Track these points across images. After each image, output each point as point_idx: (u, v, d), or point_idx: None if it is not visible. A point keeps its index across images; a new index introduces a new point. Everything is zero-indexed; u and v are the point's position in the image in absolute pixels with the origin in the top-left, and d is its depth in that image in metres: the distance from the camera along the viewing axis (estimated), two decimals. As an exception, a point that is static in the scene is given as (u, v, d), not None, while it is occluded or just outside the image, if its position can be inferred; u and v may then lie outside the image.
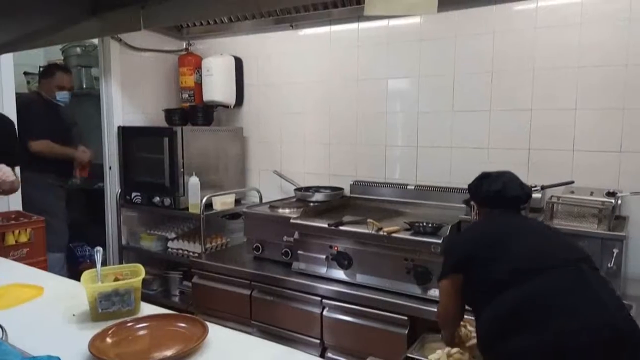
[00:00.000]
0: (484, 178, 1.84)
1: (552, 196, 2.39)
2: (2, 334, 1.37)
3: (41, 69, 3.91)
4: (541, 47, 2.59)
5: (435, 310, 2.14)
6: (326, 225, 2.47)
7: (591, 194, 2.36)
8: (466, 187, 2.64)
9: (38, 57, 4.54)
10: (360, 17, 3.11)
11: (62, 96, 3.52)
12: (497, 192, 1.77)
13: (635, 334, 1.38)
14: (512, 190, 1.77)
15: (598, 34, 2.44)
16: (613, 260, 2.07)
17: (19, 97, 3.23)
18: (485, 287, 1.56)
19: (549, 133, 2.59)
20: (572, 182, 2.40)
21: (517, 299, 1.46)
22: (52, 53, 4.39)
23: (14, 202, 3.09)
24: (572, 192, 2.42)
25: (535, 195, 2.48)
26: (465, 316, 1.79)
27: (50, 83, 3.51)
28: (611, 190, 2.35)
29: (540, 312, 1.42)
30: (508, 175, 1.83)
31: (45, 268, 2.56)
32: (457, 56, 2.82)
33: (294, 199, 3.18)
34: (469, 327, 1.93)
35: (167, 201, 3.31)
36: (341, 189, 3.20)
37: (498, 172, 1.86)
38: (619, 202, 2.32)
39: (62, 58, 4.21)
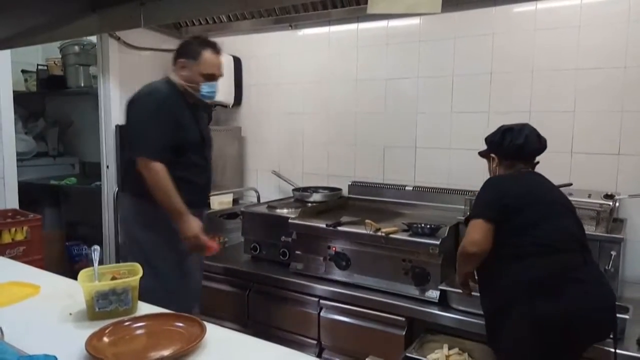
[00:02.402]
0: (507, 132, 1.93)
1: (550, 198, 2.38)
2: (-1, 332, 1.35)
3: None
4: (540, 49, 2.59)
5: (433, 311, 2.16)
6: (324, 226, 2.47)
7: (589, 196, 2.36)
8: (465, 189, 2.70)
9: (36, 54, 4.53)
10: (359, 18, 3.11)
11: (207, 89, 2.33)
12: (520, 147, 1.89)
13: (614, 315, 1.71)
14: (533, 144, 1.91)
15: (597, 36, 2.45)
16: (611, 262, 2.07)
17: (149, 86, 2.34)
18: (511, 250, 1.74)
19: (548, 135, 2.55)
20: (571, 184, 2.40)
21: (541, 270, 1.67)
22: (50, 51, 4.37)
23: (11, 200, 3.07)
24: (571, 194, 2.41)
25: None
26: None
27: (194, 69, 2.29)
28: (609, 193, 2.35)
29: (559, 286, 1.64)
30: (528, 128, 1.93)
31: (42, 266, 2.55)
32: (456, 57, 2.83)
33: (292, 199, 3.17)
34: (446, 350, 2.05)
35: (165, 200, 3.29)
36: (339, 189, 3.20)
37: (518, 125, 1.95)
38: (617, 204, 2.32)
39: (60, 56, 4.19)
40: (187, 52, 2.34)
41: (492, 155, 2.00)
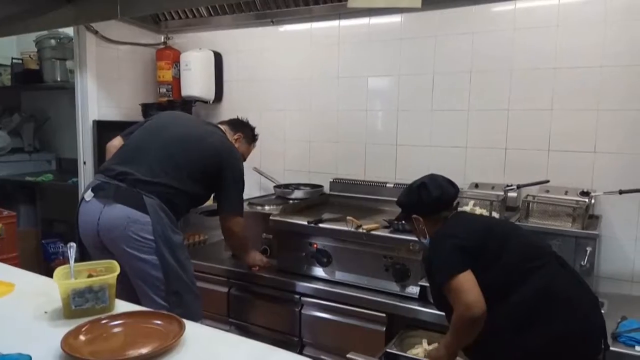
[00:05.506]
0: (421, 188, 1.85)
1: (527, 195, 2.42)
2: (-30, 332, 1.31)
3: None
4: (519, 48, 2.62)
5: (413, 307, 2.17)
6: (305, 223, 2.46)
7: (566, 193, 2.41)
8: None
9: (10, 48, 4.42)
10: (341, 15, 3.11)
11: None
12: (438, 198, 1.82)
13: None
14: (450, 191, 1.86)
15: (574, 36, 2.49)
16: (586, 258, 2.11)
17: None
18: (497, 283, 1.62)
19: (526, 133, 2.63)
20: (548, 182, 2.45)
21: (528, 295, 1.59)
22: (25, 44, 4.27)
23: (-16, 196, 3.00)
24: (548, 191, 2.46)
25: (511, 194, 2.53)
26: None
27: (243, 147, 2.66)
28: (585, 190, 2.40)
29: (549, 305, 1.58)
30: (439, 178, 1.89)
31: (17, 264, 2.49)
32: (436, 56, 2.84)
33: (274, 196, 3.16)
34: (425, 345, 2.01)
35: (144, 197, 3.24)
36: (321, 186, 3.20)
37: (425, 178, 1.89)
38: (593, 201, 2.37)
39: (36, 50, 4.10)
40: (247, 133, 2.68)
41: (415, 216, 1.88)
